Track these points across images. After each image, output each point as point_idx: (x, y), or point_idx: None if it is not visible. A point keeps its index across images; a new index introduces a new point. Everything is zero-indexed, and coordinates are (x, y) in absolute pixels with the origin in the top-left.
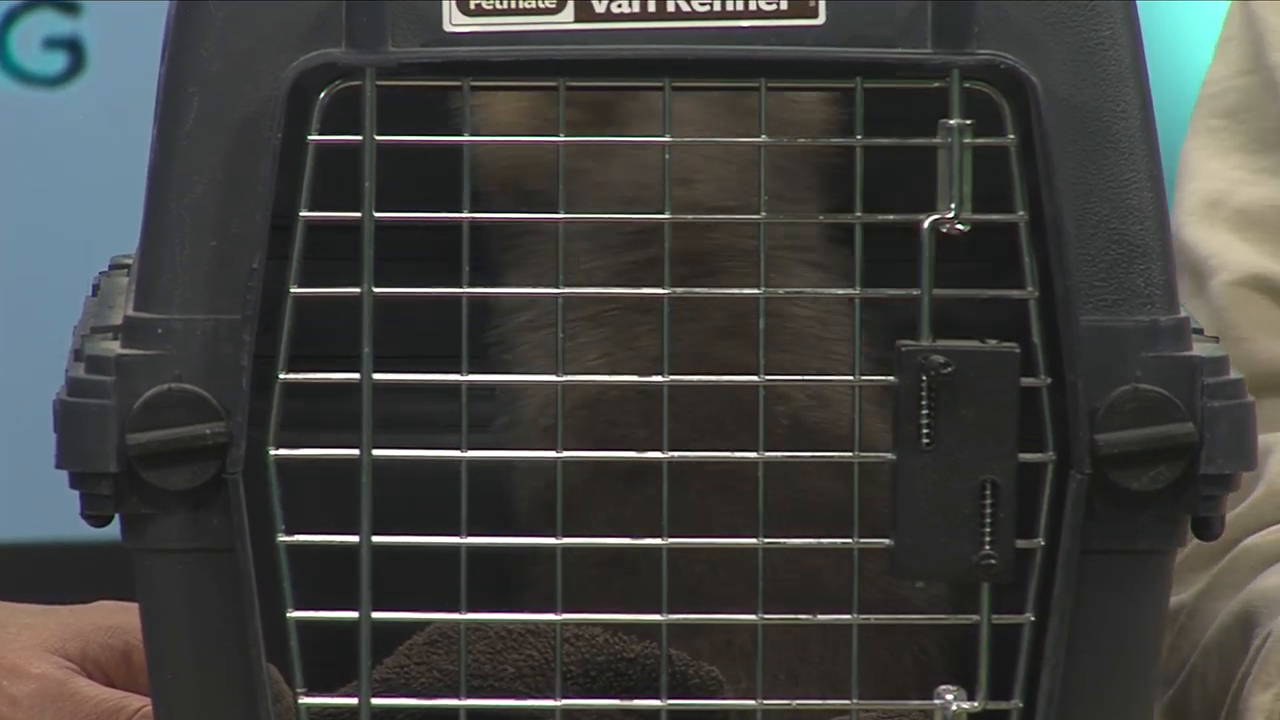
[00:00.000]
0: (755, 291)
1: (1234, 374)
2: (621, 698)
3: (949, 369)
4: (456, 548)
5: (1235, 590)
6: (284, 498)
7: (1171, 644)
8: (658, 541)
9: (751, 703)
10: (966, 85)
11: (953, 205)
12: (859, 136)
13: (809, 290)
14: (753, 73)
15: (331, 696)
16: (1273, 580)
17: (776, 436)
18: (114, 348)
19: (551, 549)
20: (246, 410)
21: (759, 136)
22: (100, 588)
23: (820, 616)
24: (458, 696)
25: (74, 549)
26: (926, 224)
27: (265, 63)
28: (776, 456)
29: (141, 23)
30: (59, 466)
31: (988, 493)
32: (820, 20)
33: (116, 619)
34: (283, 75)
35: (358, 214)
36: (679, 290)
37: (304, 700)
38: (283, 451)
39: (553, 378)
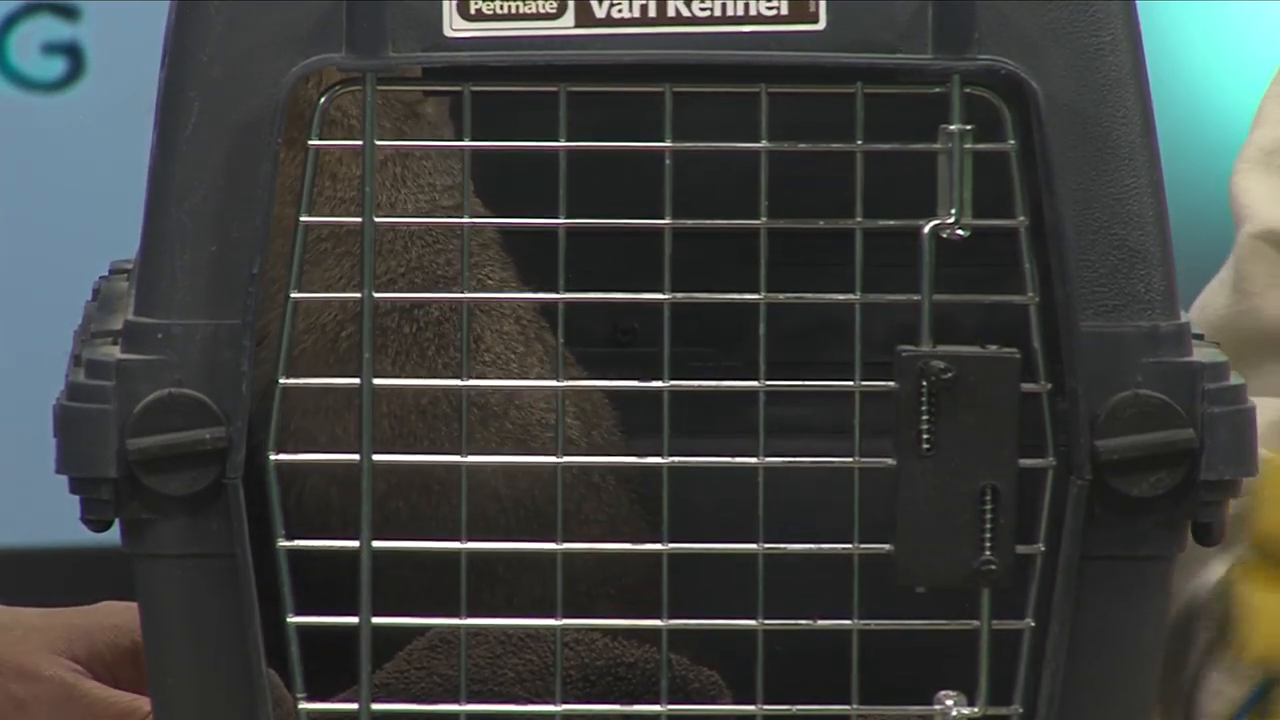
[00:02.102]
0: (755, 297)
1: (1234, 379)
2: (621, 702)
3: (949, 374)
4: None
5: (1207, 559)
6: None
7: None
8: (657, 546)
9: (751, 708)
10: (967, 90)
11: (953, 210)
12: (859, 141)
13: (809, 295)
14: (753, 78)
15: (332, 702)
16: (1215, 572)
17: (471, 429)
18: (114, 353)
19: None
20: (246, 415)
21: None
22: (100, 593)
23: (821, 622)
24: (458, 701)
25: (74, 554)
26: (927, 229)
27: (265, 67)
28: (776, 462)
29: (141, 27)
30: (59, 471)
31: (988, 498)
32: (821, 25)
33: (122, 618)
34: (283, 80)
35: (358, 219)
36: (679, 295)
37: (304, 705)
38: (283, 456)
39: (553, 382)
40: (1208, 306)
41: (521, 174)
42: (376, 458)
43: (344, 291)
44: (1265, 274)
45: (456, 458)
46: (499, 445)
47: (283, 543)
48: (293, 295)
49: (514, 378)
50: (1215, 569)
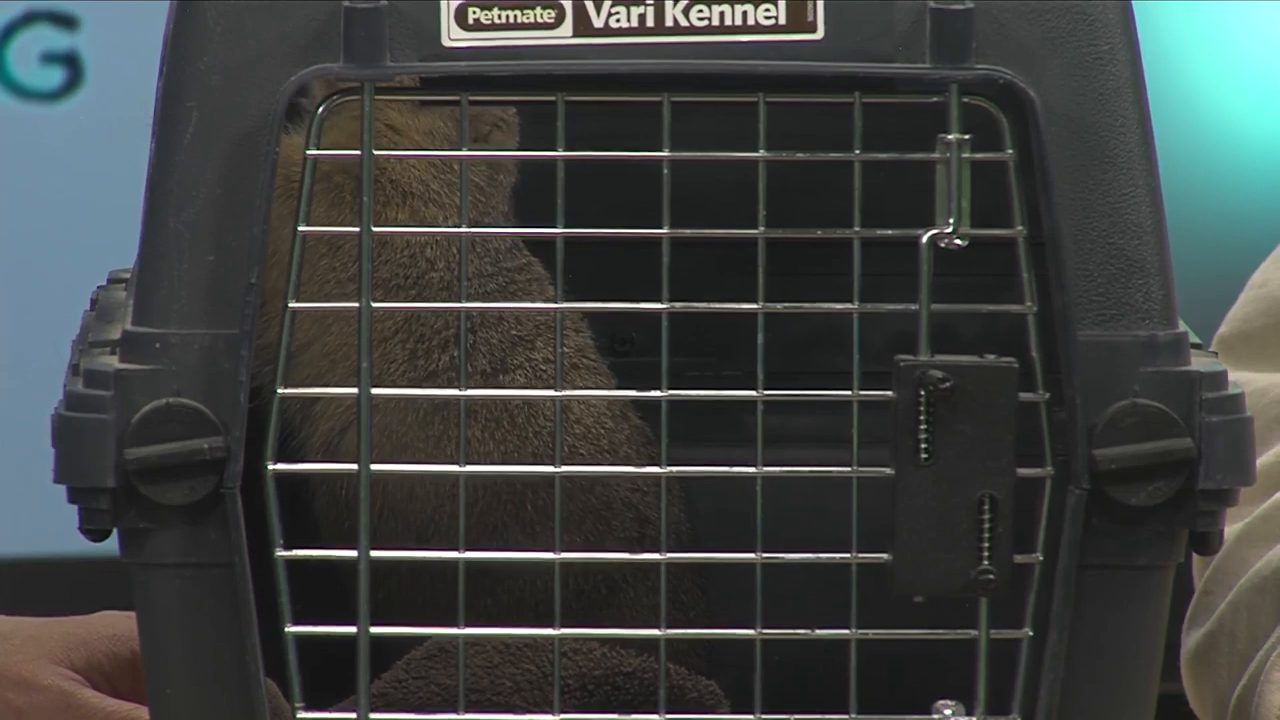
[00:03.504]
0: (753, 306)
1: (1232, 389)
2: (619, 712)
3: (947, 384)
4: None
5: (1272, 541)
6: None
7: (1203, 585)
8: (656, 556)
9: (749, 717)
10: (965, 100)
11: (951, 220)
12: (857, 151)
13: (807, 305)
14: (751, 87)
15: (330, 711)
16: None
17: (541, 441)
18: (112, 362)
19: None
20: (244, 425)
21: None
22: (98, 603)
23: (819, 631)
24: (455, 711)
25: (72, 564)
26: (925, 239)
27: (263, 76)
28: (774, 471)
29: (139, 36)
30: (57, 481)
31: (986, 508)
32: (819, 35)
33: (121, 628)
34: (281, 89)
35: (355, 228)
36: (677, 305)
37: (302, 715)
38: (281, 466)
39: (551, 393)
40: (1271, 281)
41: (520, 183)
42: (375, 467)
43: (410, 354)
44: None
45: (454, 467)
46: (580, 519)
47: (280, 553)
48: (290, 305)
49: (604, 452)
50: None
